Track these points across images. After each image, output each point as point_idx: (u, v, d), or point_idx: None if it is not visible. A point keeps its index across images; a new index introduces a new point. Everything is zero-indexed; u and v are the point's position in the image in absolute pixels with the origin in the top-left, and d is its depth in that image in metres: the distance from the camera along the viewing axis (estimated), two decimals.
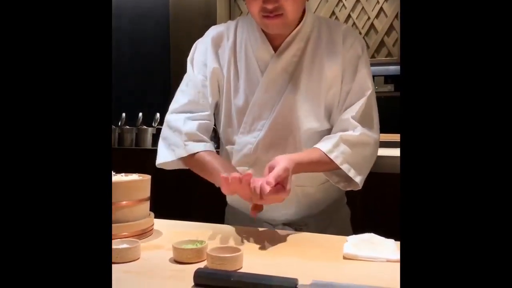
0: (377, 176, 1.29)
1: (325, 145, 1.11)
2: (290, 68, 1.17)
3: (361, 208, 1.34)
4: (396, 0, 3.05)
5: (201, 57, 1.23)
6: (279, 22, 1.11)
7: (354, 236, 0.97)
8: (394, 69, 3.17)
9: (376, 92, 1.21)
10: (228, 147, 1.24)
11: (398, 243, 0.93)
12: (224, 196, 1.30)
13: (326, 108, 1.18)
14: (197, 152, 1.16)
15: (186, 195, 2.40)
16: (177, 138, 1.18)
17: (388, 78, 3.23)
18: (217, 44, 1.23)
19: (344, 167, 1.10)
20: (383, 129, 1.26)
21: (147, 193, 1.08)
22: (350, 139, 1.11)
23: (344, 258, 0.89)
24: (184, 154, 1.16)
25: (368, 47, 3.03)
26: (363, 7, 3.14)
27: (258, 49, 1.18)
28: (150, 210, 1.11)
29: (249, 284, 0.73)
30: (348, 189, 1.17)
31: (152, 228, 1.09)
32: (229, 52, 1.21)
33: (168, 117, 1.22)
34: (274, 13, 1.09)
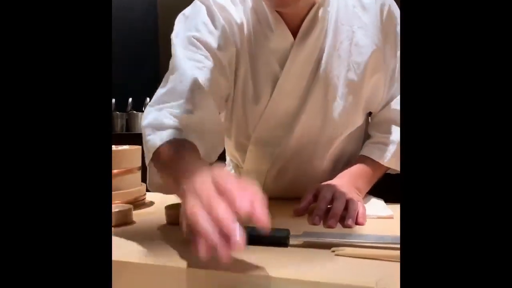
0: None
1: (378, 155, 0.97)
2: (315, 54, 0.92)
3: None
4: None
5: (203, 27, 0.89)
6: None
7: None
8: None
9: None
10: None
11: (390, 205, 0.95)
12: None
13: (366, 100, 0.96)
14: (159, 147, 0.75)
15: None
16: (143, 140, 0.81)
17: None
18: (225, 16, 0.91)
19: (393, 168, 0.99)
20: None
21: (138, 162, 1.08)
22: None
23: None
24: (148, 159, 0.78)
25: None
26: None
27: (273, 36, 0.91)
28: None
29: None
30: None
31: (145, 198, 1.09)
32: (238, 32, 0.92)
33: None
34: None
